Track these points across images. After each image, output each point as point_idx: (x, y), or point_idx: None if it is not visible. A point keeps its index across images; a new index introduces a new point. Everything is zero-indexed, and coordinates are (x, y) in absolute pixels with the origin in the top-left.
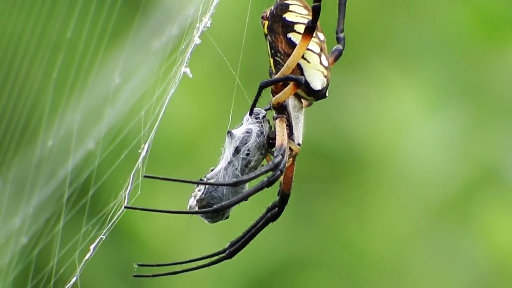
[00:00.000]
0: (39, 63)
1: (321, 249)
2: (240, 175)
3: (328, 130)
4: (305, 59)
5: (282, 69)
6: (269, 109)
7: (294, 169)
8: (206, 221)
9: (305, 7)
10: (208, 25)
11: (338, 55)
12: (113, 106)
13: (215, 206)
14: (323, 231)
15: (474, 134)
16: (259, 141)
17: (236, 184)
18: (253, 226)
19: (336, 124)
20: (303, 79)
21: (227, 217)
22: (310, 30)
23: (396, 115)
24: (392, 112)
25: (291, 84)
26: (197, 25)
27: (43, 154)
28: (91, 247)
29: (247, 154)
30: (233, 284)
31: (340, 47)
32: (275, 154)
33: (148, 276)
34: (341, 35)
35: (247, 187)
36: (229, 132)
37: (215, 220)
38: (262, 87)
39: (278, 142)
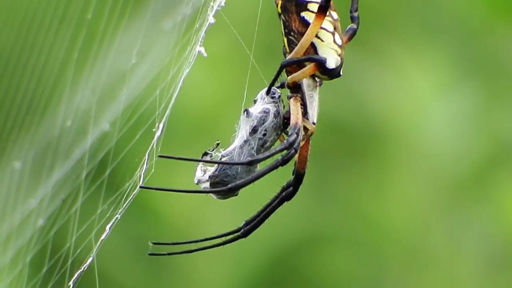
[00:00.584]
0: (61, 42)
1: (341, 224)
2: (255, 154)
3: (347, 106)
4: (319, 37)
5: (296, 48)
6: (281, 87)
7: (309, 148)
8: (215, 197)
9: None
10: (223, 4)
11: (352, 34)
12: (129, 86)
13: (229, 185)
14: (343, 207)
15: (488, 111)
16: (276, 121)
17: (251, 163)
18: (268, 205)
19: (355, 100)
20: (325, 59)
21: (237, 194)
22: (323, 8)
23: (413, 92)
24: (408, 90)
25: (311, 65)
26: (211, 4)
27: (62, 134)
28: (107, 227)
29: (264, 134)
30: (252, 261)
31: (354, 26)
32: (289, 133)
33: (164, 254)
34: (355, 14)
35: (258, 166)
36: (246, 110)
37: (225, 197)
38: (284, 66)
39: (292, 121)
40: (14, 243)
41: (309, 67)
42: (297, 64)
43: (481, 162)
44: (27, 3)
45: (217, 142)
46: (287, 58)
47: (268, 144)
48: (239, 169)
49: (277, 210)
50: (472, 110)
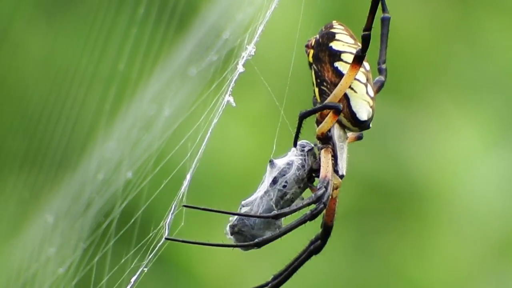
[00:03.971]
0: (94, 94)
1: (380, 283)
2: (274, 206)
3: (388, 164)
4: (352, 88)
5: (328, 98)
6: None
7: (337, 201)
8: (240, 249)
9: (351, 36)
10: (252, 53)
11: (380, 86)
12: (158, 136)
13: (256, 240)
14: (383, 267)
15: None
16: (298, 174)
17: (277, 217)
18: (296, 259)
19: (396, 158)
20: (341, 106)
21: (259, 247)
22: (359, 59)
23: (456, 149)
24: (452, 147)
25: (330, 113)
26: (242, 53)
27: (94, 187)
28: (132, 279)
29: (284, 186)
30: None
31: (382, 78)
32: (318, 186)
33: None
34: (383, 66)
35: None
36: (271, 161)
37: (248, 249)
38: (302, 117)
39: (322, 173)
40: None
41: (329, 116)
42: (326, 114)
43: None
44: (61, 56)
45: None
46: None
47: (288, 196)
48: (257, 219)
49: (318, 271)
50: None
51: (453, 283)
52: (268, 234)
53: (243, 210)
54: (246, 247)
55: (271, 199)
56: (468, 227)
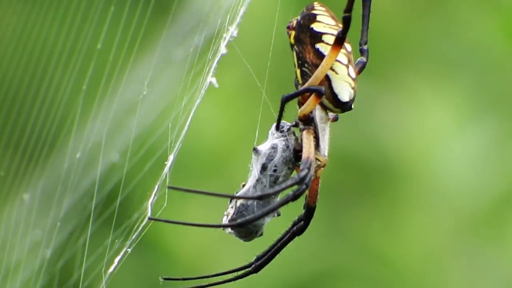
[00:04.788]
0: (70, 74)
1: (352, 261)
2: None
3: (360, 141)
4: (333, 70)
5: (310, 80)
6: (295, 125)
7: (320, 181)
8: (241, 240)
9: (332, 17)
10: (235, 35)
11: (362, 67)
12: (139, 116)
13: (239, 220)
14: (355, 243)
15: (507, 147)
16: (285, 155)
17: (261, 198)
18: (279, 240)
19: (368, 135)
20: (323, 89)
21: (261, 234)
22: (340, 40)
23: (428, 127)
24: (424, 124)
25: (312, 95)
26: (224, 35)
27: (71, 166)
28: (116, 260)
29: (275, 170)
30: None
31: (364, 59)
32: (301, 168)
33: None
34: (365, 47)
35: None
36: (254, 149)
37: (249, 238)
38: (284, 101)
39: (304, 155)
40: (22, 274)
41: (311, 98)
42: (308, 96)
43: (498, 200)
44: (36, 34)
45: (243, 183)
46: (287, 93)
47: (280, 179)
48: (255, 208)
49: (287, 246)
50: (489, 146)
51: (424, 259)
52: (267, 220)
53: (238, 202)
54: (239, 232)
55: (265, 185)
56: (439, 203)
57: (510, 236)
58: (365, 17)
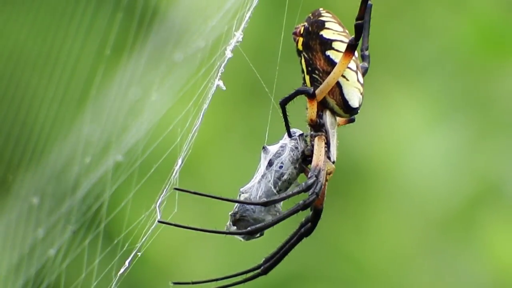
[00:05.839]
0: (59, 76)
1: (321, 262)
2: (272, 187)
3: None
4: (344, 76)
5: (321, 86)
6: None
7: (327, 184)
8: (240, 238)
9: (340, 24)
10: (240, 39)
11: (364, 73)
12: (146, 121)
13: (249, 229)
14: (324, 245)
15: (476, 148)
16: (293, 154)
17: (266, 204)
18: (287, 242)
19: (338, 136)
20: (312, 89)
21: (262, 235)
22: (352, 48)
23: (398, 128)
24: (394, 126)
25: (306, 98)
26: (230, 40)
27: (81, 170)
28: (127, 262)
29: (280, 167)
30: None
31: (366, 64)
32: (309, 175)
33: None
34: (366, 52)
35: (281, 203)
36: (264, 147)
37: (249, 237)
38: (282, 105)
39: (314, 162)
40: (24, 273)
41: (308, 101)
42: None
43: (468, 200)
44: (36, 36)
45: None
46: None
47: (285, 177)
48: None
49: (258, 250)
50: (459, 146)
51: (392, 259)
52: (268, 217)
53: (242, 197)
54: (240, 234)
55: (269, 181)
56: (409, 205)
57: (479, 237)
58: (366, 23)
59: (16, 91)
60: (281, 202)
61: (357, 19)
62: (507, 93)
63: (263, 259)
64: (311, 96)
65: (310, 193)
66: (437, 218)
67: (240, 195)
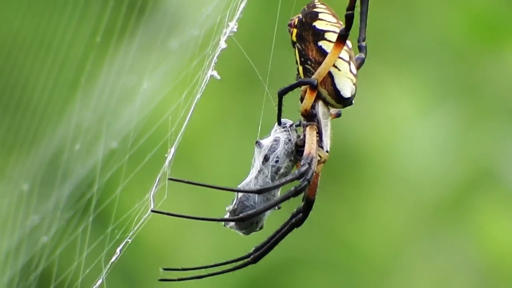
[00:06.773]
0: (52, 62)
1: (316, 247)
2: (270, 182)
3: None
4: (335, 67)
5: (313, 76)
6: (299, 125)
7: (320, 175)
8: (241, 233)
9: (333, 15)
10: (235, 29)
11: (360, 64)
12: (135, 106)
13: (240, 215)
14: (319, 230)
15: (468, 134)
16: (287, 147)
17: (260, 192)
18: (278, 232)
19: (332, 123)
20: (316, 81)
21: (261, 227)
22: (343, 38)
23: (391, 115)
24: (387, 112)
25: (308, 89)
26: (224, 30)
27: (70, 156)
28: (118, 250)
29: (276, 161)
30: (228, 283)
31: (363, 55)
32: (301, 163)
33: (174, 280)
34: (363, 43)
35: (279, 194)
36: (257, 142)
37: (249, 231)
38: (281, 94)
39: (306, 151)
40: (22, 258)
41: (307, 92)
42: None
43: (460, 185)
44: (29, 22)
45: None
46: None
47: (282, 170)
48: (256, 199)
49: (252, 236)
50: (451, 132)
51: (387, 244)
52: (268, 213)
53: (241, 193)
54: (239, 226)
55: (266, 176)
56: (402, 190)
57: (472, 220)
58: (363, 14)
59: (9, 77)
60: (279, 194)
61: (347, 9)
62: (498, 79)
63: (253, 247)
64: (314, 88)
65: (301, 180)
66: (431, 202)
67: (237, 194)
